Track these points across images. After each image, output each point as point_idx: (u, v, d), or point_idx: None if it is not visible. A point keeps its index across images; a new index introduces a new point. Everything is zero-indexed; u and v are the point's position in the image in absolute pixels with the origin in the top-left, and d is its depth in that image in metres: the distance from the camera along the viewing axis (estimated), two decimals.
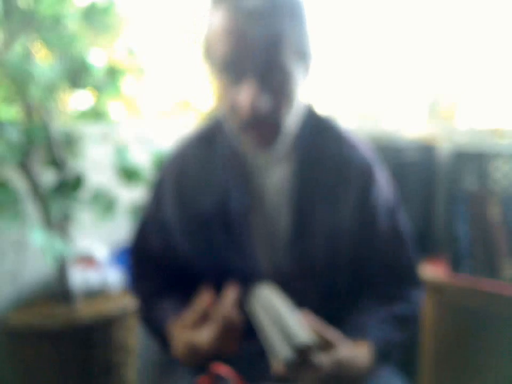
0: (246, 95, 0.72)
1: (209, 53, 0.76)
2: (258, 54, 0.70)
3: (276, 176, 0.88)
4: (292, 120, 0.80)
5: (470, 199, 1.29)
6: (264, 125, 0.75)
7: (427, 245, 1.59)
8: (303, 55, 0.76)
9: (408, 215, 1.00)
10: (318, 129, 0.91)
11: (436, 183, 1.62)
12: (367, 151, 0.93)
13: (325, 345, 0.70)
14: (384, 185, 0.94)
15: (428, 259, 1.49)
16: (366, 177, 0.90)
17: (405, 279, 0.93)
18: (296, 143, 0.88)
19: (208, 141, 0.91)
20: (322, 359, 0.67)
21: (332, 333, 0.71)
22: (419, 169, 1.55)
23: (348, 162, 0.89)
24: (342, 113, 2.39)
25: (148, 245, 0.95)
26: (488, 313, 1.47)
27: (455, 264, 1.32)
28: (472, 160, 1.40)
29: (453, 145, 1.56)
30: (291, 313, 0.69)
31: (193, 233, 0.89)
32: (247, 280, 0.86)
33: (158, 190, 0.94)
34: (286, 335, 0.66)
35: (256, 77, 0.72)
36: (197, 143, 0.92)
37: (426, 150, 1.57)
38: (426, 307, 1.39)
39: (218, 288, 0.92)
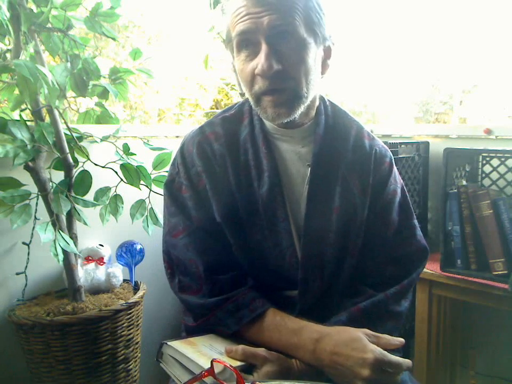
0: (262, 59, 0.77)
1: (229, 36, 0.83)
2: (268, 25, 0.76)
3: (298, 160, 0.90)
4: (308, 91, 0.83)
5: (462, 196, 1.30)
6: (281, 89, 0.80)
7: None
8: (315, 31, 0.81)
9: None
10: (338, 119, 0.93)
11: (429, 180, 1.65)
12: (383, 144, 0.96)
13: (259, 363, 0.75)
14: (398, 177, 0.97)
15: None
16: (385, 167, 0.93)
17: (406, 272, 0.92)
18: (317, 130, 0.90)
19: (233, 121, 0.92)
20: (253, 377, 0.73)
21: (257, 354, 0.76)
22: (412, 167, 1.58)
23: (369, 153, 0.92)
24: None
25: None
26: (479, 308, 1.49)
27: (447, 261, 1.34)
28: (464, 158, 1.42)
29: (445, 143, 1.59)
30: (206, 355, 0.73)
31: (221, 206, 0.87)
32: (280, 261, 0.87)
33: (182, 168, 0.91)
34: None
35: (269, 44, 0.77)
36: (222, 122, 0.92)
37: (419, 148, 1.60)
38: (419, 302, 1.42)
39: (248, 267, 0.89)
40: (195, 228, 0.88)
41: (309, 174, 0.88)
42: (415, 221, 0.96)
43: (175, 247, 0.89)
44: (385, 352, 0.74)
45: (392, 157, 0.96)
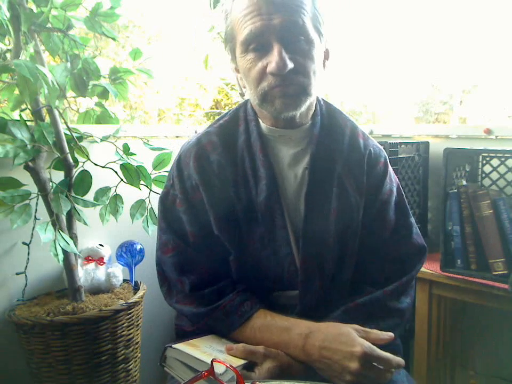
0: (276, 57, 0.78)
1: (231, 35, 0.84)
2: (281, 25, 0.78)
3: (296, 163, 0.90)
4: (315, 89, 0.84)
5: (462, 196, 1.29)
6: (291, 84, 0.81)
7: None
8: (320, 32, 0.84)
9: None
10: (332, 119, 0.94)
11: (429, 180, 1.65)
12: (377, 144, 0.97)
13: (259, 360, 0.77)
14: (394, 176, 0.97)
15: None
16: (380, 167, 0.93)
17: (405, 270, 0.92)
18: (314, 131, 0.90)
19: (229, 128, 0.92)
20: (256, 374, 0.75)
21: (256, 352, 0.78)
22: (412, 167, 1.58)
23: (364, 153, 0.92)
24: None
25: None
26: (479, 308, 1.49)
27: (447, 261, 1.33)
28: (464, 158, 1.42)
29: (445, 143, 1.59)
30: (210, 355, 0.74)
31: (218, 219, 0.87)
32: (278, 269, 0.87)
33: (179, 180, 0.91)
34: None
35: (282, 44, 0.79)
36: (218, 130, 0.92)
37: (419, 148, 1.60)
38: (419, 302, 1.41)
39: (248, 278, 0.90)
40: (184, 247, 0.90)
41: (307, 176, 0.88)
42: (412, 219, 0.96)
43: (165, 264, 0.92)
44: (375, 346, 0.74)
45: (387, 157, 0.96)
